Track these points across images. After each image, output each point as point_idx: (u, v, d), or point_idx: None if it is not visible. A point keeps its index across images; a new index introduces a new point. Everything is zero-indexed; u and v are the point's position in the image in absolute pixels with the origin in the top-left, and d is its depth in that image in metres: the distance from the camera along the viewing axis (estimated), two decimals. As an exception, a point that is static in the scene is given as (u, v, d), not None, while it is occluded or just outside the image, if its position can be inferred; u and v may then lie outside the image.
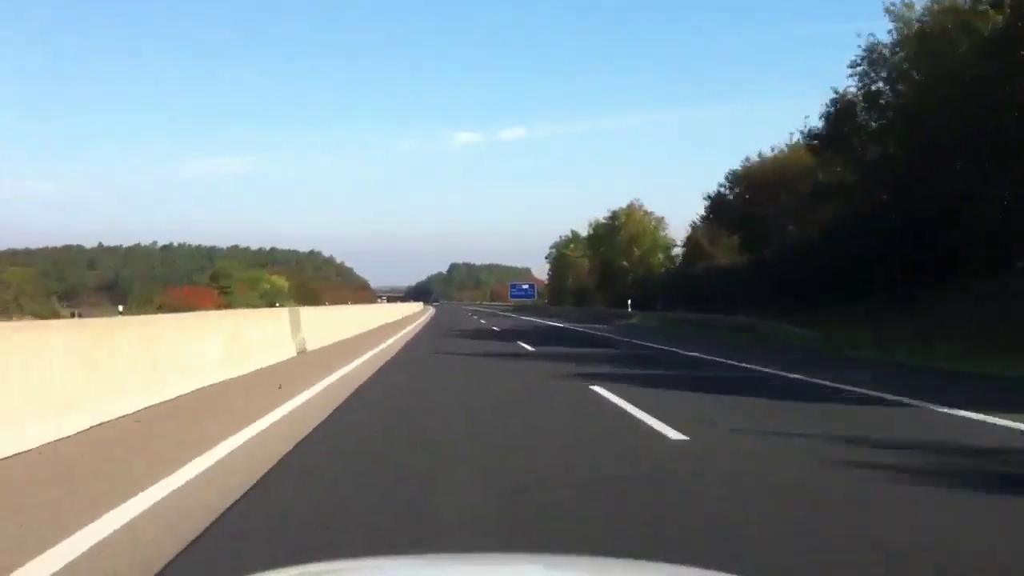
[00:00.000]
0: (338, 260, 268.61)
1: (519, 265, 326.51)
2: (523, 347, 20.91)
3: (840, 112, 28.56)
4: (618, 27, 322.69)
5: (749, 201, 38.70)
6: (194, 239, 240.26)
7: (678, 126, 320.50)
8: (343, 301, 69.55)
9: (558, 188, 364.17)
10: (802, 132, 31.65)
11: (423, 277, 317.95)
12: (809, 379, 11.78)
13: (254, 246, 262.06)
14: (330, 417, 7.79)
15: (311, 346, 16.02)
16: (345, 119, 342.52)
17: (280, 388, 9.35)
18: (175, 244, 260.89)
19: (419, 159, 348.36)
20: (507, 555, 2.66)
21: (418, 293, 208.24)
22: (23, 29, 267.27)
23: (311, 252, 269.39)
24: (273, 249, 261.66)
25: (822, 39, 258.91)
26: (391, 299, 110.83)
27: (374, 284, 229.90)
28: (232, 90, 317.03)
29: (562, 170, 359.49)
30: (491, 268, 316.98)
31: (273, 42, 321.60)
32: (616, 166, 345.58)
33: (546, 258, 75.10)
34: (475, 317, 54.49)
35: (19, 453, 5.34)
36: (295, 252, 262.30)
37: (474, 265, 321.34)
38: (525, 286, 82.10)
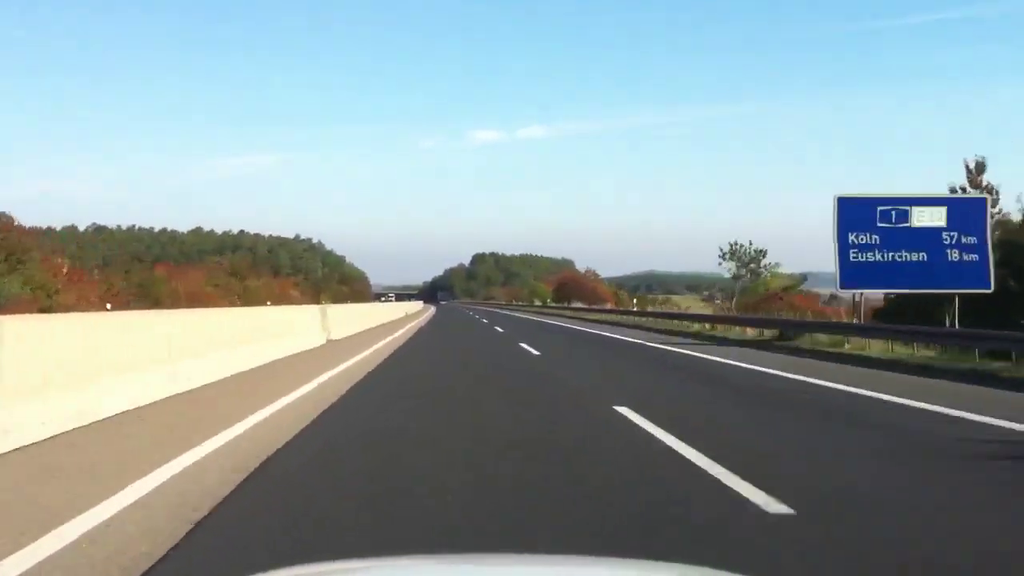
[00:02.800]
0: (328, 247, 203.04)
1: (557, 256, 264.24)
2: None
3: None
4: (639, 26, 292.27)
5: None
6: (160, 224, 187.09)
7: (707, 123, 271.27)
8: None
9: (586, 183, 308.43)
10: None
11: (440, 272, 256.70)
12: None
13: (219, 230, 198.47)
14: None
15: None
16: (363, 118, 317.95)
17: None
18: (115, 227, 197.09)
19: (438, 157, 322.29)
20: (508, 555, 2.69)
21: (433, 290, 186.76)
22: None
23: (296, 238, 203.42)
24: (242, 232, 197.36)
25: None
26: (399, 297, 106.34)
27: (390, 282, 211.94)
28: (248, 88, 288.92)
29: (589, 165, 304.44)
30: (526, 259, 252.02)
31: (293, 42, 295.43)
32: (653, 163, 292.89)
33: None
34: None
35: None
36: (276, 237, 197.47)
37: (503, 255, 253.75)
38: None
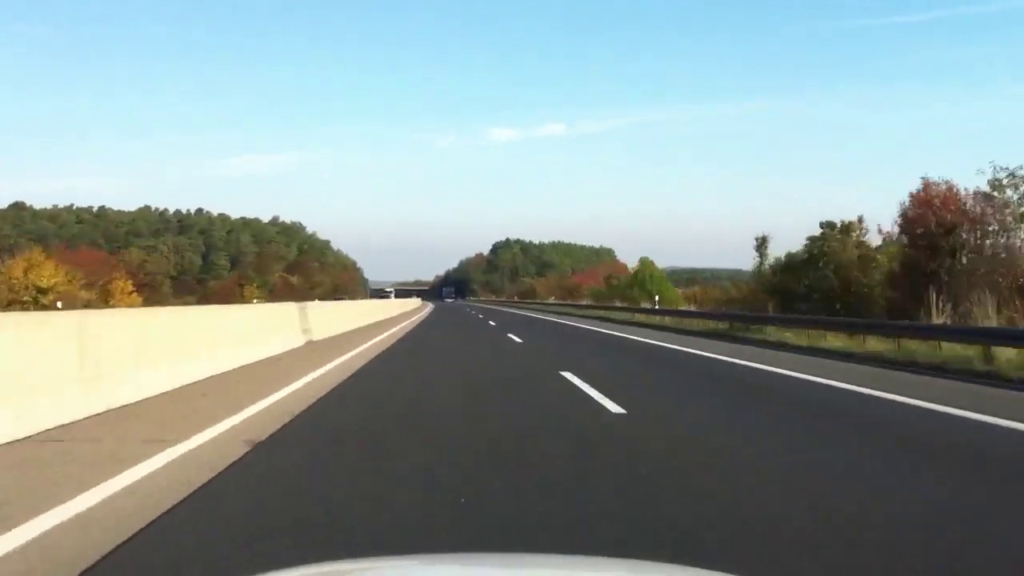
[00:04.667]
0: (310, 230, 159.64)
1: (595, 244, 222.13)
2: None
3: None
4: (656, 23, 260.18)
5: None
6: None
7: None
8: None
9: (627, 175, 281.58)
10: None
11: (456, 264, 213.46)
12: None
13: (172, 209, 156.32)
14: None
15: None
16: (378, 116, 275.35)
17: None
18: (51, 206, 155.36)
19: (455, 155, 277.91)
20: (507, 556, 2.62)
21: (446, 286, 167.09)
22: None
23: (274, 220, 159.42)
24: (200, 211, 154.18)
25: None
26: (400, 294, 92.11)
27: (404, 278, 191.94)
28: (254, 85, 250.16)
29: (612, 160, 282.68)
30: (560, 247, 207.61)
31: (306, 41, 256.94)
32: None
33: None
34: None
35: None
36: (241, 219, 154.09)
37: (531, 243, 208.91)
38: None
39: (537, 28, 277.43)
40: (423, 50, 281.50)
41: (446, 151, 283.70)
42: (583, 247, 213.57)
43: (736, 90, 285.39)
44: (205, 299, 64.12)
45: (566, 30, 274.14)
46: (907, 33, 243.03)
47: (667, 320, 28.03)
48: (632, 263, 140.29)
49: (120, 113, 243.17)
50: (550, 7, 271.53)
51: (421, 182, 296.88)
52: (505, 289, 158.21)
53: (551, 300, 68.96)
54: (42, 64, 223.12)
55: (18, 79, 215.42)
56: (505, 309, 56.72)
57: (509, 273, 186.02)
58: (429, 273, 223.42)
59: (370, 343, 16.22)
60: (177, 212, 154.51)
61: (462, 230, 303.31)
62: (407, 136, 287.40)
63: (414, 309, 50.27)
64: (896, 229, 22.89)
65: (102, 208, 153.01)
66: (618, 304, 43.43)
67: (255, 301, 56.02)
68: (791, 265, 26.11)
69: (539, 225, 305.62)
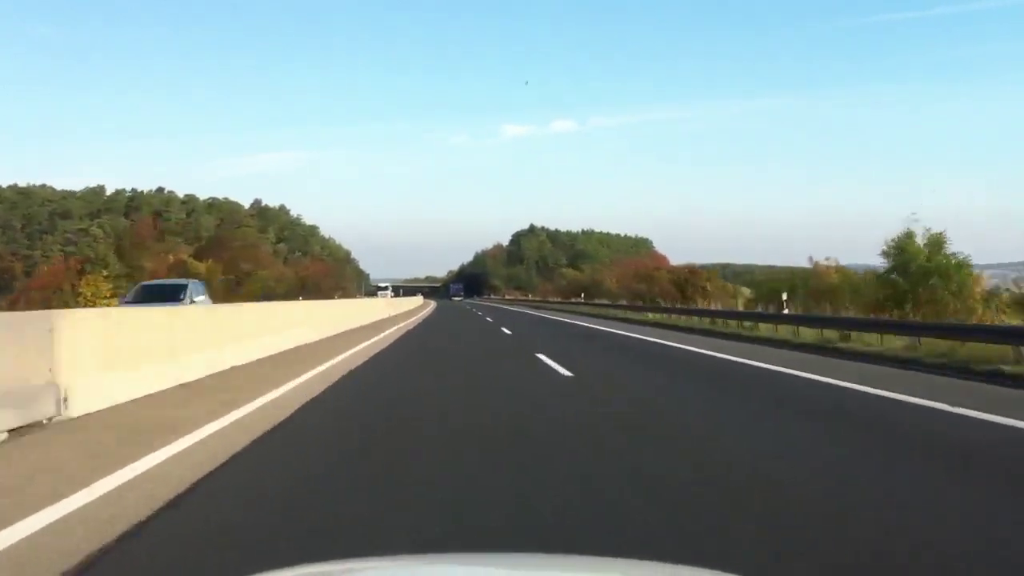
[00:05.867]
0: (295, 213, 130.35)
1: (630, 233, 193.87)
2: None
3: None
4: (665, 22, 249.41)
5: None
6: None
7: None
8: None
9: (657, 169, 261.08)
10: None
11: (470, 257, 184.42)
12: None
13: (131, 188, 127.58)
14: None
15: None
16: (386, 115, 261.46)
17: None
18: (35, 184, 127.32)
19: (468, 152, 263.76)
20: (508, 555, 2.61)
21: (455, 283, 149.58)
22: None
23: (255, 203, 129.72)
24: (162, 190, 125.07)
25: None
26: (407, 292, 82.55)
27: (413, 274, 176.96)
28: (263, 87, 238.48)
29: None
30: (593, 236, 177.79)
31: (316, 38, 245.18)
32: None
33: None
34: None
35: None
36: (209, 199, 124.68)
37: (561, 231, 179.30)
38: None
39: (542, 27, 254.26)
40: (428, 50, 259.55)
41: (457, 148, 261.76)
42: (619, 236, 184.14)
43: (739, 90, 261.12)
44: (13, 302, 36.04)
45: (570, 29, 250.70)
46: None
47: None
48: (673, 256, 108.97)
49: (119, 114, 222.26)
50: (555, 6, 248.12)
51: (433, 179, 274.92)
52: (534, 284, 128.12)
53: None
54: (41, 64, 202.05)
55: (16, 79, 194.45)
56: (610, 331, 25.76)
57: (536, 265, 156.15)
58: (443, 269, 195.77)
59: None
60: (134, 191, 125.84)
61: (475, 227, 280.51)
62: (418, 135, 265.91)
63: (388, 319, 30.73)
64: None
65: (34, 185, 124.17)
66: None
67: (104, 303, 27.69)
68: None
69: (554, 223, 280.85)
